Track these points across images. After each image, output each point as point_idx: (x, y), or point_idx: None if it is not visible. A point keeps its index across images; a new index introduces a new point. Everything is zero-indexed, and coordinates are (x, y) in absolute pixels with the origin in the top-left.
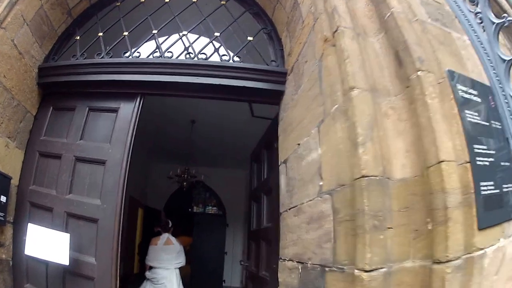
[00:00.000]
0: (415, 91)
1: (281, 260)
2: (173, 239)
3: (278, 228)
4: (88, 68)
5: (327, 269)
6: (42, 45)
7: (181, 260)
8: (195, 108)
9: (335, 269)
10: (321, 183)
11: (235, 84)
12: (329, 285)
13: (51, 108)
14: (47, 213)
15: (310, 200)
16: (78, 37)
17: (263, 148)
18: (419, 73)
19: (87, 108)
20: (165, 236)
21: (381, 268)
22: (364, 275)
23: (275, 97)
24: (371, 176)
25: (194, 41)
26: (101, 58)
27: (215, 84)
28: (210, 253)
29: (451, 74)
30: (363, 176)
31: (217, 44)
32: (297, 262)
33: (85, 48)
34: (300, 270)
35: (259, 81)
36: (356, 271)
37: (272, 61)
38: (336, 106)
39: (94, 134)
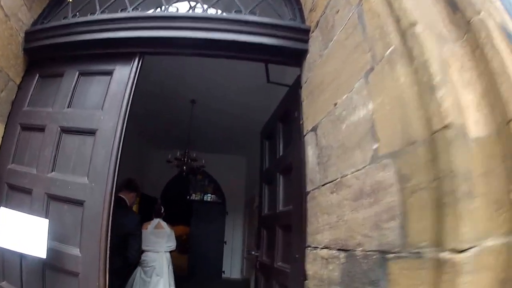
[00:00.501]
0: (480, 35)
1: (309, 248)
2: (163, 223)
3: (303, 210)
4: (79, 27)
5: (390, 256)
6: (31, 9)
7: (172, 244)
8: (196, 86)
9: (406, 254)
10: (375, 146)
11: (251, 41)
12: (395, 277)
13: (37, 75)
14: (26, 196)
15: (358, 170)
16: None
17: (278, 121)
18: (481, 15)
19: (77, 73)
20: (156, 220)
21: (473, 247)
22: (457, 257)
23: (297, 57)
24: (457, 125)
25: None
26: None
27: (228, 40)
28: (208, 242)
29: (503, 24)
30: (446, 127)
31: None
32: (337, 250)
33: (78, 9)
34: (343, 259)
35: (279, 38)
36: (444, 253)
37: (291, 19)
38: (391, 48)
39: (84, 101)
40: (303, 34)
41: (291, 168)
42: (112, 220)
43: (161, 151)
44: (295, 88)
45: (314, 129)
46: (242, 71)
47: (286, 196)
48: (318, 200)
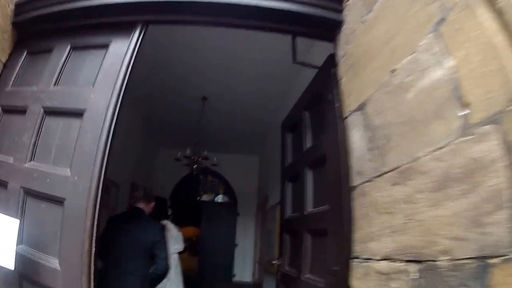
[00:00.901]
0: None
1: (357, 260)
2: (171, 226)
3: (344, 210)
4: None
5: (494, 261)
6: None
7: (179, 246)
8: (206, 83)
9: None
10: (465, 113)
11: (276, 7)
12: None
13: (25, 52)
14: (2, 190)
15: (440, 148)
16: None
17: (304, 110)
18: None
19: (69, 46)
20: (164, 222)
21: None
22: None
23: (329, 30)
24: None
25: None
26: None
27: (249, 6)
28: (219, 245)
29: None
30: None
31: None
32: (405, 261)
33: None
34: (416, 274)
35: (308, 5)
36: None
37: None
38: None
39: (73, 78)
40: (337, 3)
41: (325, 159)
42: (97, 225)
43: (171, 150)
44: (327, 67)
45: (361, 107)
46: (255, 66)
47: (318, 194)
48: (372, 196)
